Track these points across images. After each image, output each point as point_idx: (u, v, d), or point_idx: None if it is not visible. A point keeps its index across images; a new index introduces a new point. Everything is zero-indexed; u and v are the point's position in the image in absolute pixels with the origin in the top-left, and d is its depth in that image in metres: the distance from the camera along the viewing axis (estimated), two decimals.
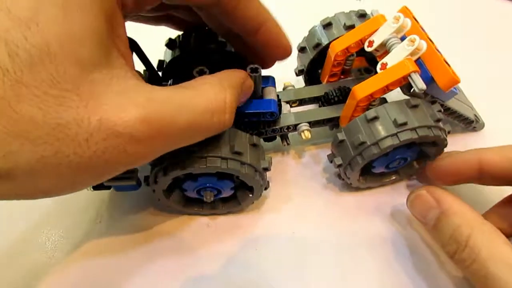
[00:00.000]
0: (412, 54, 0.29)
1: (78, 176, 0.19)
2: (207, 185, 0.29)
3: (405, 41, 0.29)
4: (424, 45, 0.28)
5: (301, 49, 0.37)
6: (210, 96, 0.23)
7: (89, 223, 0.33)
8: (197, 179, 0.29)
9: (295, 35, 0.36)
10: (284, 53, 0.29)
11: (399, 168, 0.33)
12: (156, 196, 0.30)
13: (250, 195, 0.31)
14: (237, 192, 0.32)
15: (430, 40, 0.30)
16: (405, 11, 0.31)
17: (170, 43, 0.33)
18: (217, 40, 0.32)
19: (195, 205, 0.32)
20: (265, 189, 0.31)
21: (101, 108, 0.18)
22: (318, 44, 0.35)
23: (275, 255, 0.31)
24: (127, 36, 0.22)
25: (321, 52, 0.35)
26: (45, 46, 0.17)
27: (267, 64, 0.31)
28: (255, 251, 0.31)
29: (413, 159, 0.33)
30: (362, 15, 0.35)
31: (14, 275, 0.30)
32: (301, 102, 0.35)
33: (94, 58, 0.18)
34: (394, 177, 0.34)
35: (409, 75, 0.28)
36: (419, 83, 0.27)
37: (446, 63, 0.28)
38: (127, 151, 0.19)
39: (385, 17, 0.31)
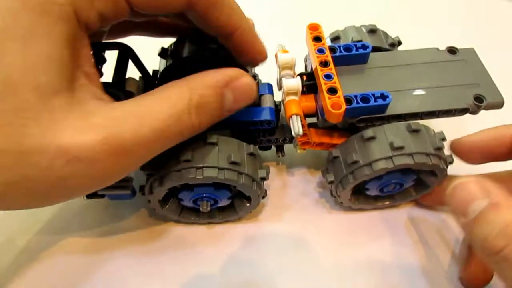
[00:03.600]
0: (289, 95, 0.28)
1: (48, 196, 0.20)
2: (204, 195, 0.29)
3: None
4: (290, 83, 0.28)
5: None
6: (173, 98, 0.22)
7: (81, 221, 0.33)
8: (193, 189, 0.28)
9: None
10: (259, 58, 0.29)
11: (394, 193, 0.32)
12: (151, 206, 0.30)
13: (248, 204, 0.31)
14: (234, 201, 0.31)
15: (333, 62, 0.28)
16: (307, 31, 0.30)
17: (163, 52, 0.33)
18: (211, 44, 0.32)
19: (191, 214, 0.32)
20: (263, 197, 0.31)
21: (59, 135, 0.18)
22: None
23: (275, 256, 0.31)
24: (91, 55, 0.23)
25: None
26: (7, 78, 0.18)
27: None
28: (255, 252, 0.31)
29: (410, 186, 0.32)
30: (372, 31, 0.34)
31: None
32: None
33: (54, 85, 0.19)
34: (388, 202, 0.33)
35: (290, 118, 0.27)
36: (294, 128, 0.27)
37: (332, 91, 0.27)
38: (90, 174, 0.20)
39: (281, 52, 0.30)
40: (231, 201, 0.31)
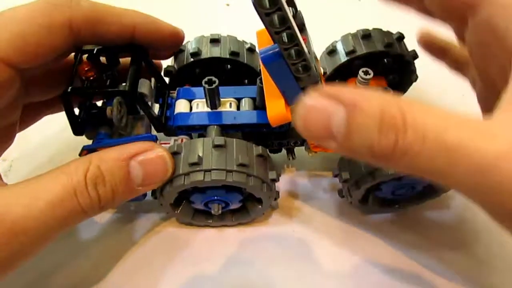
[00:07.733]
0: None
1: None
2: (215, 197, 0.29)
3: None
4: None
5: (330, 52, 0.33)
6: (70, 171, 0.21)
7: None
8: (205, 191, 0.28)
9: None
10: (174, 40, 0.29)
11: (405, 196, 0.31)
12: (163, 209, 0.30)
13: (260, 206, 0.31)
14: (246, 203, 0.31)
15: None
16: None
17: (179, 51, 0.33)
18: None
19: (203, 217, 0.32)
20: (275, 199, 0.31)
21: None
22: (353, 51, 0.32)
23: (283, 259, 0.31)
24: None
25: (352, 60, 0.32)
26: None
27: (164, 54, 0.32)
28: (265, 255, 0.31)
29: (420, 189, 0.31)
30: (366, 36, 0.32)
31: None
32: None
33: None
34: (397, 206, 0.32)
35: None
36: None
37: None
38: None
39: None
40: (244, 203, 0.31)
